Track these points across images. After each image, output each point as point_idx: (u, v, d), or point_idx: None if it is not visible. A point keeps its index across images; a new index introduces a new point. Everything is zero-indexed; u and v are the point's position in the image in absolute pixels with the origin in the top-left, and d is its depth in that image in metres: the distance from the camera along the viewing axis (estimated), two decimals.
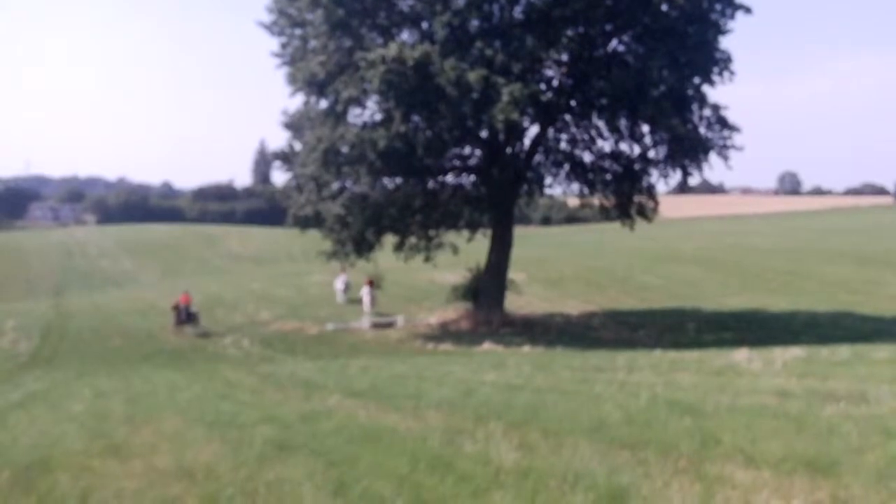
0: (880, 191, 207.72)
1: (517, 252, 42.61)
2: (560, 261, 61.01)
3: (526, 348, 31.52)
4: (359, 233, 38.85)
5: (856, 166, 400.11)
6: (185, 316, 41.01)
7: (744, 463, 6.57)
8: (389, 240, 41.60)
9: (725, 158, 38.03)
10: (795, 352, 16.97)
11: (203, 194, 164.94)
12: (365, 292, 43.72)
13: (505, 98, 32.50)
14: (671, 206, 61.94)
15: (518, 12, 36.65)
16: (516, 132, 38.33)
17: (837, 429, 7.55)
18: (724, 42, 39.91)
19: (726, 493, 5.83)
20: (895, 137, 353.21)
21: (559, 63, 37.65)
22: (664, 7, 35.78)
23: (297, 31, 39.26)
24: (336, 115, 36.27)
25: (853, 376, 12.07)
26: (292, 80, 37.68)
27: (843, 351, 16.97)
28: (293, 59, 38.86)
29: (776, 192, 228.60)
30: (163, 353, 35.61)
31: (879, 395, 9.52)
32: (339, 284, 47.92)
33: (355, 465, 7.38)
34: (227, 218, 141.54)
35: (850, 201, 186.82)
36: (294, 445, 8.70)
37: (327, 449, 8.32)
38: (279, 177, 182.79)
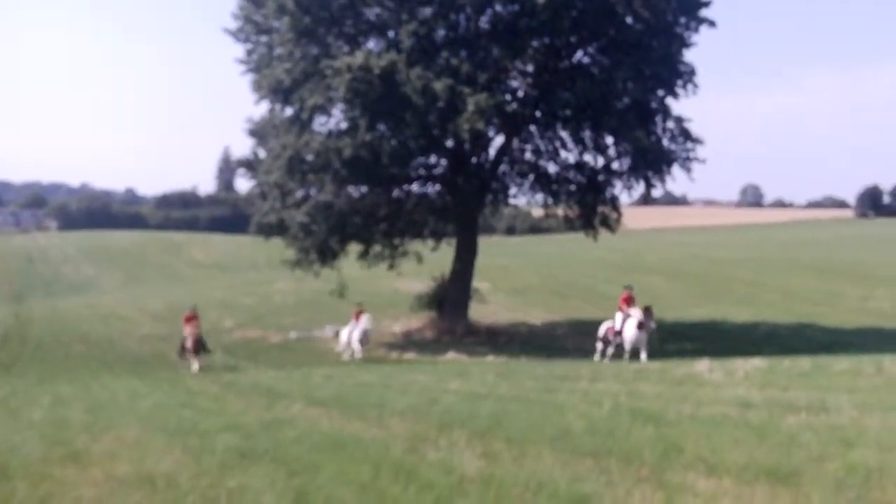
0: (841, 204, 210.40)
1: (481, 261, 42.67)
2: (524, 270, 61.17)
3: (490, 357, 31.59)
4: (323, 241, 38.70)
5: (817, 180, 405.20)
6: (194, 345, 31.81)
7: (705, 472, 6.60)
8: (354, 248, 41.45)
9: (688, 170, 38.47)
10: (757, 363, 17.16)
11: (166, 201, 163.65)
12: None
13: (470, 108, 32.63)
14: (634, 218, 62.32)
15: (484, 22, 36.85)
16: (481, 142, 38.45)
17: (798, 438, 7.63)
18: (689, 55, 40.45)
19: (688, 501, 5.86)
20: (856, 151, 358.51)
21: (525, 74, 37.88)
22: (629, 20, 36.12)
23: (263, 38, 39.18)
24: (301, 123, 36.20)
25: (814, 387, 12.24)
26: (257, 87, 37.57)
27: (804, 362, 17.19)
28: (258, 66, 38.75)
29: (738, 205, 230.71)
30: (124, 360, 35.25)
31: (839, 406, 9.66)
32: (356, 334, 33.63)
33: (317, 474, 7.32)
34: (191, 225, 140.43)
35: (811, 214, 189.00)
36: (256, 454, 8.62)
37: (289, 457, 8.25)
38: (243, 184, 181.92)
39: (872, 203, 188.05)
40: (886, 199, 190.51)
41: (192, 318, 32.67)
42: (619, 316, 28.35)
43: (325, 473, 7.33)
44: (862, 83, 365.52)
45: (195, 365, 31.20)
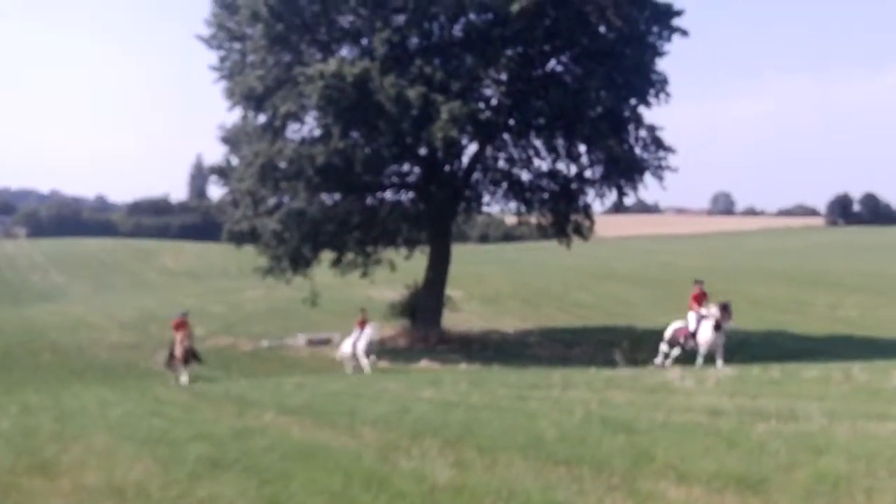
0: (812, 212, 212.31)
1: (455, 269, 42.67)
2: (497, 278, 61.24)
3: (462, 365, 31.57)
4: (295, 249, 38.54)
5: (788, 188, 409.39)
6: (184, 354, 28.92)
7: (676, 480, 6.63)
8: (326, 256, 41.32)
9: (660, 179, 38.75)
10: (727, 371, 17.28)
11: (137, 208, 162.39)
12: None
13: (444, 116, 32.69)
14: (607, 226, 62.61)
15: (458, 31, 36.96)
16: (455, 150, 38.46)
17: (767, 446, 7.67)
18: (661, 64, 40.78)
19: None
20: (827, 160, 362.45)
21: (498, 82, 37.96)
22: (602, 29, 36.36)
23: (236, 45, 39.11)
24: (274, 130, 36.14)
25: (783, 394, 12.33)
26: (230, 94, 37.48)
27: (774, 370, 17.33)
28: (231, 73, 38.66)
29: (710, 213, 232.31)
30: (94, 368, 34.91)
31: (809, 413, 9.72)
32: (362, 344, 30.79)
33: (289, 483, 7.30)
34: (162, 232, 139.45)
35: (782, 222, 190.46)
36: (226, 463, 8.57)
37: (260, 466, 8.22)
38: (215, 191, 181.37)
39: (843, 211, 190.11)
40: (857, 208, 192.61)
41: (181, 324, 29.70)
42: (692, 316, 25.16)
43: (297, 482, 7.31)
44: (833, 92, 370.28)
45: (184, 377, 28.17)
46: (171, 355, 29.46)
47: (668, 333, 25.78)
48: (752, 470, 6.71)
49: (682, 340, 25.04)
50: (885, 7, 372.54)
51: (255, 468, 8.14)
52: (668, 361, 25.05)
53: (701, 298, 25.55)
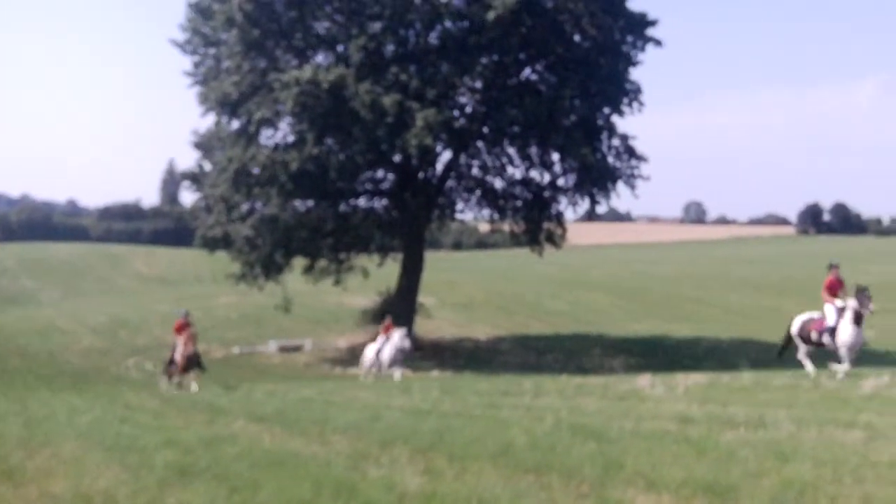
0: (782, 221, 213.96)
1: (428, 276, 42.68)
2: (470, 285, 61.30)
3: (434, 373, 31.59)
4: (268, 255, 38.41)
5: (759, 197, 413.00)
6: (185, 361, 25.33)
7: (645, 487, 6.65)
8: (299, 262, 41.18)
9: (632, 187, 38.96)
10: (697, 378, 17.38)
11: (109, 213, 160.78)
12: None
13: (419, 123, 32.74)
14: (579, 234, 62.97)
15: (433, 38, 37.03)
16: (429, 157, 38.52)
17: (736, 454, 7.72)
18: (635, 73, 41.07)
19: None
20: (798, 170, 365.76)
21: (473, 90, 38.06)
22: (577, 38, 36.59)
23: (211, 51, 39.00)
24: (248, 136, 36.02)
25: (753, 402, 12.40)
26: (204, 99, 37.35)
27: (744, 377, 17.43)
28: (206, 78, 38.54)
29: (682, 221, 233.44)
30: (63, 374, 34.60)
31: (777, 421, 9.80)
32: (388, 352, 28.08)
33: (258, 491, 7.25)
34: (134, 238, 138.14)
35: (752, 231, 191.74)
36: (196, 471, 8.51)
37: (230, 474, 8.16)
38: (188, 197, 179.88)
39: (813, 221, 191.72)
40: (827, 217, 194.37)
41: (184, 326, 26.00)
42: (829, 308, 20.03)
43: (266, 491, 7.27)
44: (805, 103, 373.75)
45: (194, 385, 24.37)
46: (171, 361, 26.12)
47: (794, 327, 20.63)
48: (721, 477, 6.74)
49: (814, 335, 20.04)
50: (856, 21, 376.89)
51: (225, 476, 8.08)
52: (808, 362, 20.03)
53: (837, 287, 20.54)
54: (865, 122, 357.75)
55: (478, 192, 42.09)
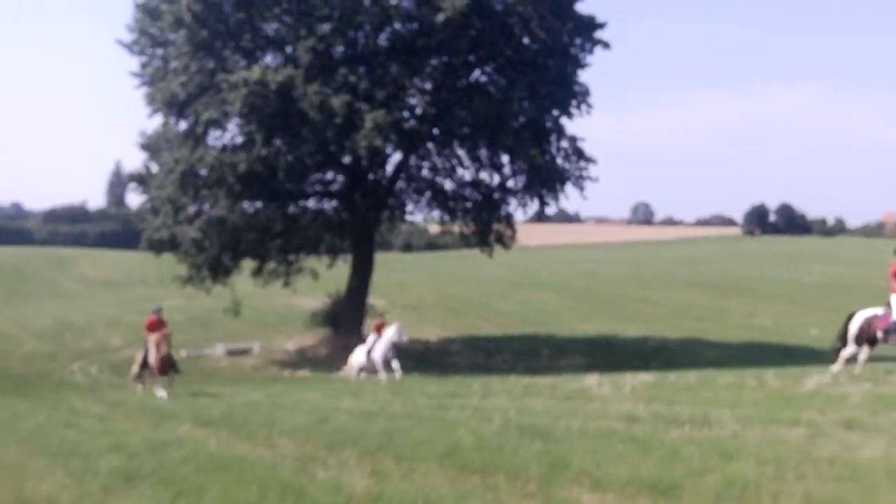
0: (729, 222, 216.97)
1: (378, 278, 42.60)
2: (420, 287, 61.31)
3: (383, 375, 31.41)
4: (215, 257, 38.03)
5: (706, 198, 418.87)
6: (160, 363, 22.58)
7: (590, 486, 6.71)
8: (247, 264, 40.85)
9: (581, 189, 39.22)
10: (644, 377, 17.53)
11: (54, 216, 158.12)
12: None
13: (368, 124, 32.69)
14: (528, 235, 63.16)
15: (383, 40, 36.98)
16: (379, 159, 38.49)
17: (680, 452, 7.81)
18: (583, 76, 41.42)
19: None
20: (745, 171, 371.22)
21: (423, 91, 38.04)
22: (526, 40, 36.78)
23: (159, 51, 38.59)
24: (195, 137, 35.67)
25: (698, 401, 12.54)
26: (151, 100, 36.95)
27: (690, 376, 17.63)
28: (153, 79, 38.09)
29: (630, 222, 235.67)
30: (5, 379, 33.90)
31: (721, 419, 9.92)
32: (380, 349, 26.86)
33: (203, 495, 7.20)
34: (79, 240, 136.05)
35: (700, 232, 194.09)
36: (141, 475, 8.42)
37: (175, 478, 8.09)
38: (134, 199, 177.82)
39: (759, 221, 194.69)
40: (773, 218, 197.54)
41: (158, 324, 23.64)
42: None
43: (211, 494, 7.22)
44: (753, 105, 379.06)
45: (161, 391, 22.09)
46: (144, 363, 23.57)
47: (854, 327, 17.61)
48: (665, 475, 6.82)
49: (879, 334, 17.17)
50: (800, 23, 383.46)
51: (170, 480, 8.01)
52: (858, 364, 17.35)
53: None
54: (811, 124, 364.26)
55: (428, 194, 42.11)
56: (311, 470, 8.10)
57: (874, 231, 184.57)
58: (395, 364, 26.40)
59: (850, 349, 17.55)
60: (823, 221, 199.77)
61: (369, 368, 27.35)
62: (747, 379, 15.96)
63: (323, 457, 8.76)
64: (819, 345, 39.74)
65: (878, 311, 17.41)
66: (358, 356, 28.11)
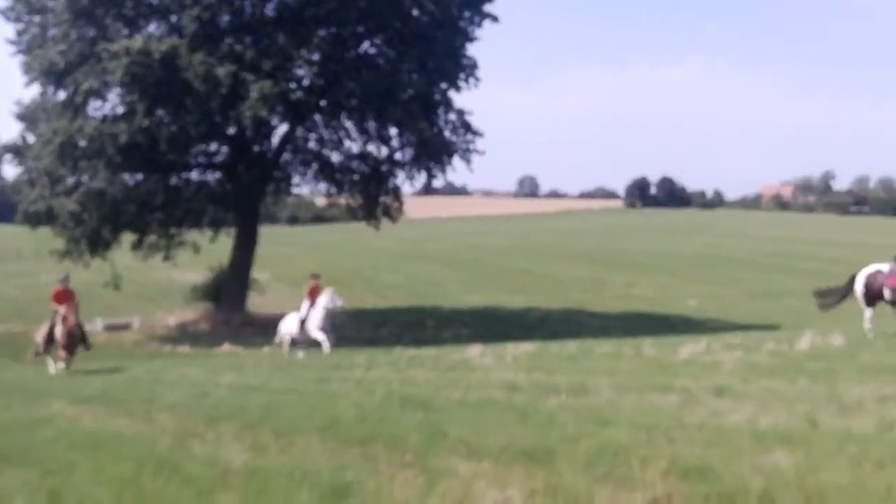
0: (611, 195, 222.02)
1: (262, 251, 42.07)
2: (305, 260, 60.76)
3: (266, 349, 31.04)
4: (94, 230, 36.99)
5: (590, 171, 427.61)
6: (66, 337, 20.89)
7: (466, 455, 6.79)
8: (127, 238, 39.85)
9: (468, 161, 39.42)
10: (527, 347, 17.86)
11: None
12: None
13: (254, 95, 32.23)
14: (416, 207, 63.41)
15: (270, 9, 36.42)
16: (265, 130, 37.96)
17: (556, 419, 7.98)
18: (471, 49, 41.48)
19: (448, 484, 6.01)
20: (627, 145, 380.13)
21: (310, 62, 37.58)
22: (415, 12, 36.64)
23: (36, 18, 37.22)
24: (75, 107, 34.67)
25: (577, 370, 12.85)
26: (28, 69, 35.74)
27: (571, 346, 18.04)
28: (30, 46, 36.76)
29: (516, 195, 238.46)
30: None
31: (598, 387, 10.19)
32: (316, 318, 24.51)
33: (74, 473, 7.04)
34: None
35: (583, 204, 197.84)
36: (8, 455, 8.18)
37: (45, 457, 7.89)
38: (10, 171, 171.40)
39: (641, 194, 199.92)
40: (654, 191, 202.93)
41: (65, 294, 21.63)
42: None
43: (83, 472, 7.07)
44: (636, 80, 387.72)
45: (59, 364, 21.21)
46: (50, 336, 21.55)
47: (859, 285, 16.96)
48: (540, 442, 6.95)
49: (887, 293, 16.51)
50: (681, 3, 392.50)
51: (39, 460, 7.81)
52: (868, 324, 16.75)
53: None
54: (691, 100, 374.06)
55: (314, 166, 41.77)
56: (189, 445, 8.01)
57: (752, 203, 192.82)
58: (327, 337, 23.91)
59: (866, 312, 16.80)
60: (703, 194, 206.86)
61: (304, 341, 24.79)
62: (625, 348, 16.42)
63: (202, 432, 8.68)
64: (697, 315, 41.33)
65: (883, 267, 16.79)
66: (289, 324, 25.52)
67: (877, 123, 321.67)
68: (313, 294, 24.83)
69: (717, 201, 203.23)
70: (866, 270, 16.95)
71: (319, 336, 23.97)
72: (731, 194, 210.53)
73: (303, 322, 24.63)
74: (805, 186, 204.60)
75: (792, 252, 75.18)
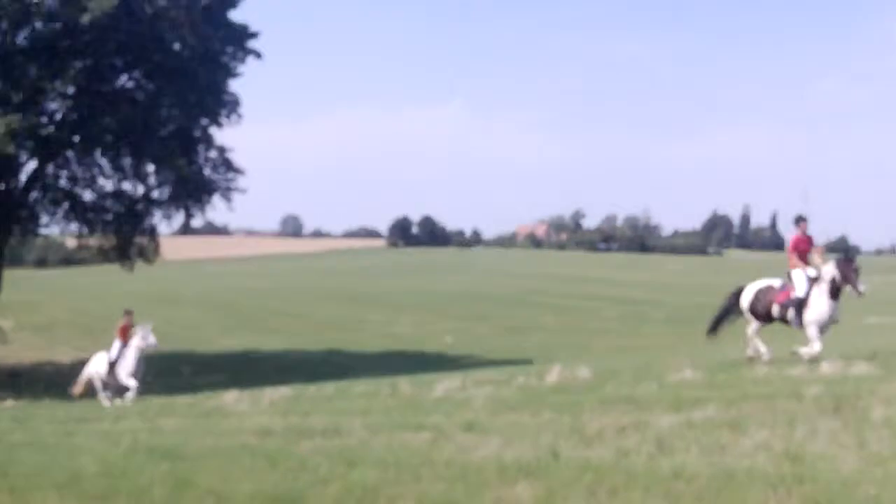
0: (375, 234, 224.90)
1: (5, 296, 39.24)
2: (52, 305, 57.89)
3: (9, 402, 29.04)
4: None
5: (353, 211, 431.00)
6: None
7: (215, 503, 6.73)
8: None
9: (229, 200, 38.85)
10: (284, 391, 17.76)
11: None
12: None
13: (1, 130, 30.37)
14: (174, 248, 61.72)
15: (22, 39, 34.50)
16: (11, 167, 35.65)
17: (307, 463, 8.02)
18: (235, 85, 40.87)
19: None
20: (390, 185, 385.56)
21: (64, 95, 35.85)
22: (176, 46, 35.78)
23: None
24: None
25: (333, 411, 12.95)
26: None
27: (328, 388, 18.12)
28: None
29: (279, 235, 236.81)
30: None
31: (351, 428, 10.33)
32: (129, 362, 22.17)
33: None
34: None
35: (347, 244, 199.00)
36: None
37: None
38: None
39: (403, 234, 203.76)
40: (415, 230, 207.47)
41: None
42: (799, 276, 15.49)
43: None
44: (398, 121, 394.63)
45: None
46: None
47: (747, 298, 16.21)
48: (291, 487, 7.00)
49: (775, 310, 15.80)
50: (442, 49, 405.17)
51: None
52: (757, 347, 16.02)
53: (806, 247, 15.97)
54: (451, 141, 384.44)
55: (66, 205, 39.53)
56: None
57: (508, 241, 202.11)
58: (134, 383, 21.74)
59: (752, 325, 16.12)
60: (462, 233, 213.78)
61: (113, 386, 22.39)
62: (382, 387, 16.64)
63: None
64: (452, 351, 42.48)
65: (774, 282, 16.09)
66: (96, 365, 23.07)
67: (623, 163, 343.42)
68: (125, 333, 22.69)
69: (475, 240, 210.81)
70: (756, 284, 16.26)
71: (131, 382, 21.88)
72: (488, 233, 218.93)
73: (112, 364, 22.42)
74: (557, 225, 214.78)
75: (544, 289, 78.93)
